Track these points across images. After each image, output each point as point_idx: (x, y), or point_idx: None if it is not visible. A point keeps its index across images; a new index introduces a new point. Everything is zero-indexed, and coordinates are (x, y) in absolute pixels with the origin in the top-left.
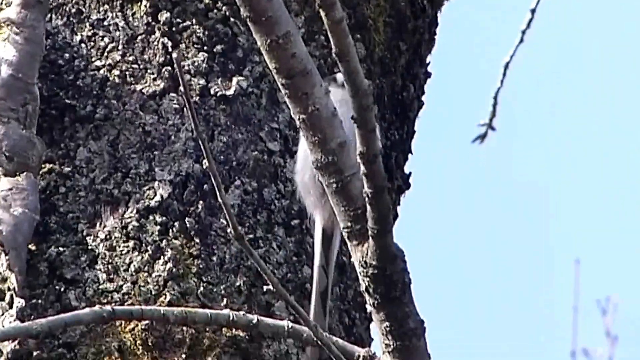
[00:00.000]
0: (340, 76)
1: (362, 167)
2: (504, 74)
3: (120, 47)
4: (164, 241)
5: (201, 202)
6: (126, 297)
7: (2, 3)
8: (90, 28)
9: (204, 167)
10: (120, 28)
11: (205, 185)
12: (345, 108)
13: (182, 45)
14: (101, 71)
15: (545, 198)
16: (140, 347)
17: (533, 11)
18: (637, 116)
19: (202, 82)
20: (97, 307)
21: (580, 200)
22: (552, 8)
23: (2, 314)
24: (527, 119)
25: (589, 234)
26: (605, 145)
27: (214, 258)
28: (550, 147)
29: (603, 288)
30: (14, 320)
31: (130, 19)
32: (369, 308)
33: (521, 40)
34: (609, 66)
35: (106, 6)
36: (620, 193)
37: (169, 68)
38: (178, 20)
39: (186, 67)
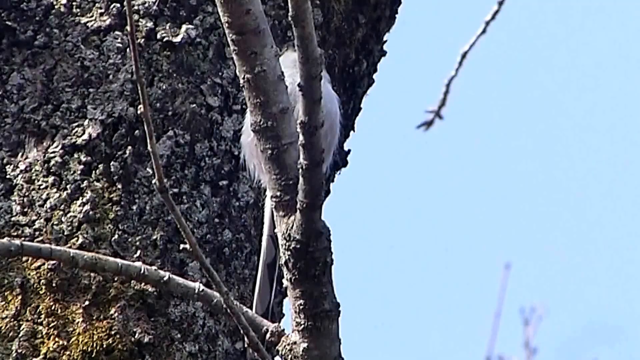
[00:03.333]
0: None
1: (301, 137)
2: (460, 63)
3: None
4: (85, 182)
5: (130, 147)
6: (37, 233)
7: None
8: None
9: (139, 112)
10: None
11: (137, 131)
12: (296, 70)
13: None
14: None
15: (485, 196)
16: (43, 287)
17: (500, 3)
18: (581, 121)
19: (150, 24)
20: (5, 240)
21: (523, 201)
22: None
23: None
24: (476, 112)
25: (525, 238)
26: (547, 148)
27: (134, 207)
28: (492, 146)
29: (530, 296)
30: None
31: None
32: (285, 283)
33: (483, 31)
34: (565, 68)
35: None
36: (570, 197)
37: (118, 5)
38: None
39: (136, 7)
